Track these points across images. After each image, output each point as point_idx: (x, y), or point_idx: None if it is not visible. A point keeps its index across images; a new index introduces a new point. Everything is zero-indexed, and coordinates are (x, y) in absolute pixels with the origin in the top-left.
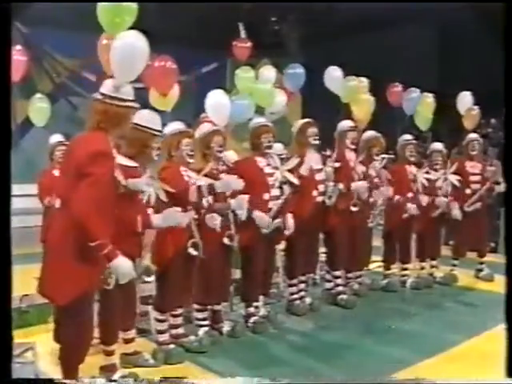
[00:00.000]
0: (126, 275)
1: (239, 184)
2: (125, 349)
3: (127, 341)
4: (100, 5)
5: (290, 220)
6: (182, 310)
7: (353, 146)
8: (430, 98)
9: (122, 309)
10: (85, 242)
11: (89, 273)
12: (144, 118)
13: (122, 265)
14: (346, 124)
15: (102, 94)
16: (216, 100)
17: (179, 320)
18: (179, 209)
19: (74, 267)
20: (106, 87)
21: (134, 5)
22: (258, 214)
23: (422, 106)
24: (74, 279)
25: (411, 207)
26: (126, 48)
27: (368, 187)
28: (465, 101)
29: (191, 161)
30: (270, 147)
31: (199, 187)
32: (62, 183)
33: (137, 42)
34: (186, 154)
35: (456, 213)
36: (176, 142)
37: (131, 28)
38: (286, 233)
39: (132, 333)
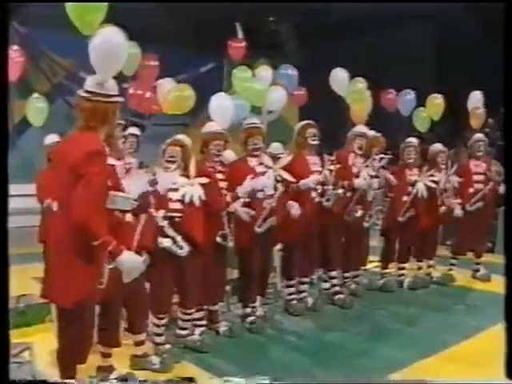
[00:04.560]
0: (133, 270)
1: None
2: (135, 350)
3: (138, 343)
4: (69, 4)
5: (294, 206)
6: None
7: (360, 152)
8: (438, 99)
9: (133, 312)
10: (86, 243)
11: (93, 274)
12: None
13: (129, 260)
14: (358, 129)
15: (88, 92)
16: (219, 102)
17: (187, 322)
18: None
19: (77, 269)
20: (91, 84)
21: (104, 3)
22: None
23: (429, 107)
24: (79, 281)
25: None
26: (104, 45)
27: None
28: (474, 100)
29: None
30: (256, 149)
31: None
32: (57, 185)
33: (115, 38)
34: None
35: (458, 212)
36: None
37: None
38: (293, 212)
39: (143, 336)
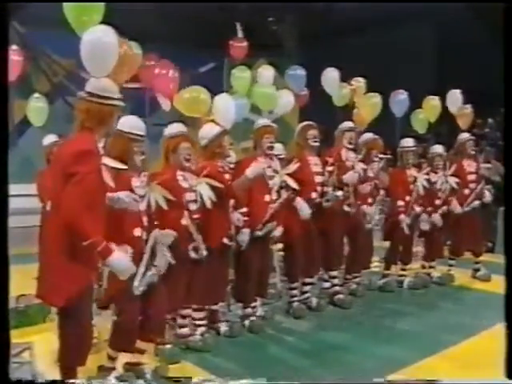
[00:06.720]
0: (124, 271)
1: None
2: (129, 358)
3: (138, 350)
4: (66, 4)
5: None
6: (189, 311)
7: (350, 146)
8: (434, 101)
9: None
10: (77, 243)
11: (82, 273)
12: (125, 123)
13: (119, 260)
14: (345, 125)
15: (87, 93)
16: (222, 103)
17: (186, 321)
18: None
19: (67, 268)
20: (90, 85)
21: (101, 3)
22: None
23: (426, 109)
24: (68, 280)
25: (404, 219)
26: (94, 43)
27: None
28: (454, 99)
29: (188, 165)
30: (271, 148)
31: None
32: (50, 185)
33: (105, 36)
34: (183, 159)
35: (457, 208)
36: (174, 145)
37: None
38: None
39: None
